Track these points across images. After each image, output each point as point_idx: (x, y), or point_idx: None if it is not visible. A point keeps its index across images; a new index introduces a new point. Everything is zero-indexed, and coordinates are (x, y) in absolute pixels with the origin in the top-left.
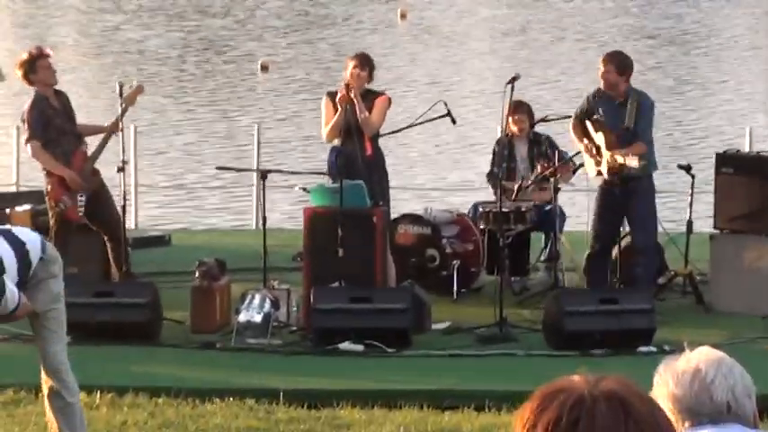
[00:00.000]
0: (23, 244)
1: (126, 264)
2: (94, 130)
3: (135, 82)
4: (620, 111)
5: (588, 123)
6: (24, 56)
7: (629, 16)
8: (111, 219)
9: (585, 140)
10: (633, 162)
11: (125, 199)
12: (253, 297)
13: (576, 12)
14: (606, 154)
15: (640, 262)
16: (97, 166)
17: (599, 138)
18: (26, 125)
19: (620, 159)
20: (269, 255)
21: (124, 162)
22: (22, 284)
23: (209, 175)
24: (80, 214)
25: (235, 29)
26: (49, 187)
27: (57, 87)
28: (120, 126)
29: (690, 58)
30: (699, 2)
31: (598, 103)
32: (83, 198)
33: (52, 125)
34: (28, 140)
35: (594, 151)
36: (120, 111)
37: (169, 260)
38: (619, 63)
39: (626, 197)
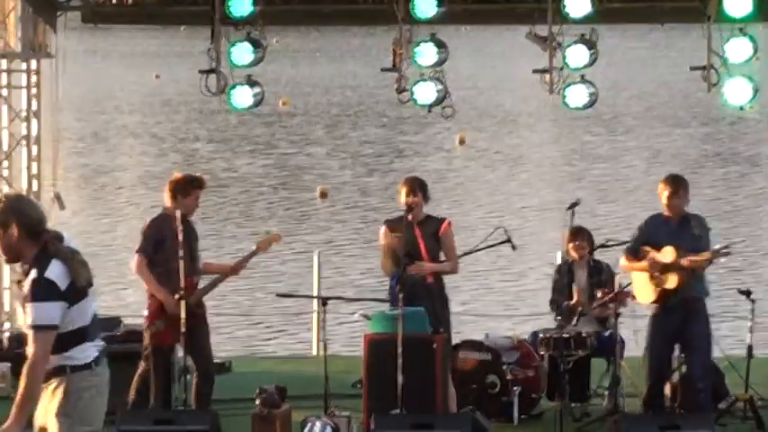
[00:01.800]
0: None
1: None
2: (217, 269)
3: (274, 230)
4: (680, 231)
5: (648, 248)
6: (180, 175)
7: (716, 142)
8: (203, 354)
9: (642, 264)
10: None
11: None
12: (313, 424)
13: (658, 135)
14: (673, 276)
15: (701, 388)
16: None
17: (666, 253)
18: (142, 236)
19: (704, 256)
20: (329, 381)
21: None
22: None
23: (270, 302)
24: (176, 340)
25: (319, 158)
26: (147, 309)
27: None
28: (243, 268)
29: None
30: None
31: (654, 229)
32: None
33: (165, 247)
34: (137, 251)
35: (658, 273)
36: (248, 253)
37: (230, 387)
38: (686, 187)
39: (683, 320)
